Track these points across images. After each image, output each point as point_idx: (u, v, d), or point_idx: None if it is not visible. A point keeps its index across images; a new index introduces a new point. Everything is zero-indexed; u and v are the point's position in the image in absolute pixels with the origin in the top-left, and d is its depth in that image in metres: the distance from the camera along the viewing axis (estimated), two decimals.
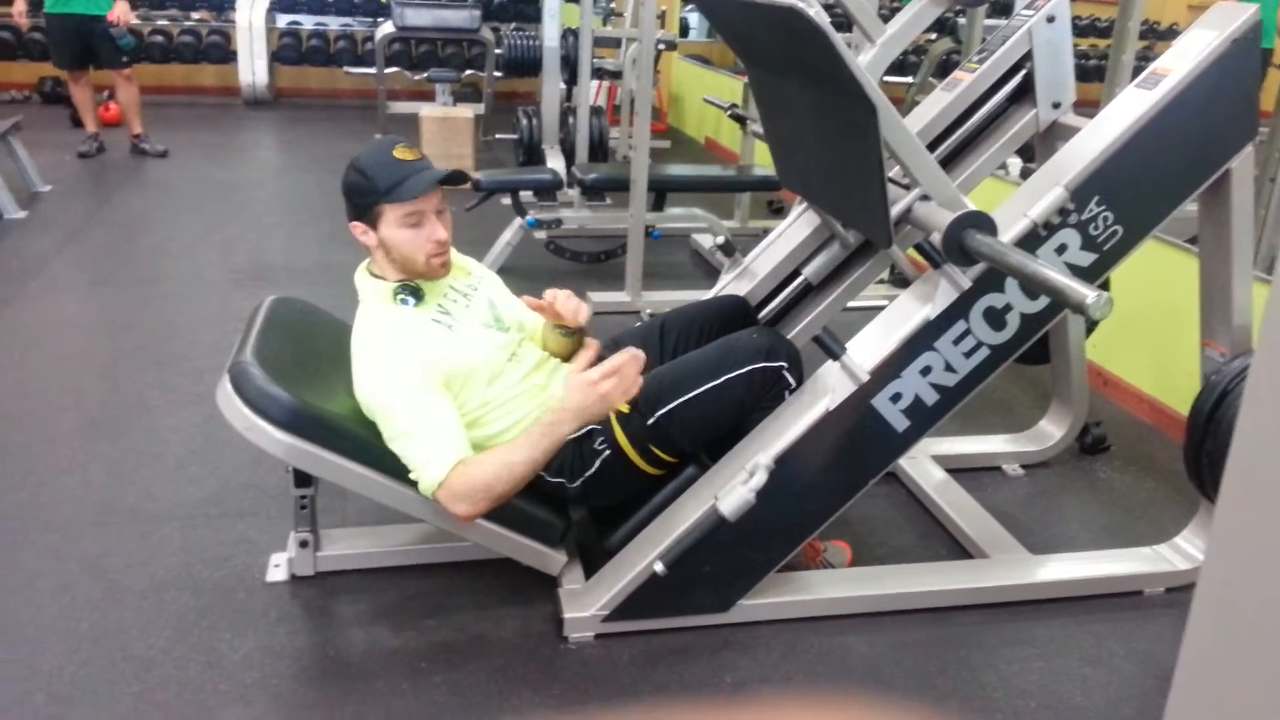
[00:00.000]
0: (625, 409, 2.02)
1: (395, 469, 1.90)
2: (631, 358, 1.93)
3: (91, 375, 3.17)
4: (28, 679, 1.84)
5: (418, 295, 1.95)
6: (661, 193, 4.28)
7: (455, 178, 1.94)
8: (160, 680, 1.86)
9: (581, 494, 2.06)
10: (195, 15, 8.24)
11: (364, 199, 1.90)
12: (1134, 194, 1.94)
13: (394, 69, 7.82)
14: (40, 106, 7.57)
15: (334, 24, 8.36)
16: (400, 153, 1.91)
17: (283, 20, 8.28)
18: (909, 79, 6.79)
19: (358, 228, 1.94)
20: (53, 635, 1.97)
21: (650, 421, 1.99)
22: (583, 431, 2.03)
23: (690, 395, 1.99)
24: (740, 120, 4.86)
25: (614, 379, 1.90)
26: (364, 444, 1.90)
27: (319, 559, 2.18)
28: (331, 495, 2.26)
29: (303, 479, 2.06)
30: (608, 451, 2.01)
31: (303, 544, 2.16)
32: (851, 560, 2.31)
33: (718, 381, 1.99)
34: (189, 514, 2.41)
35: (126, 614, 2.05)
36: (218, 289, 3.98)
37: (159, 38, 7.96)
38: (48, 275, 4.05)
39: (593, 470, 2.02)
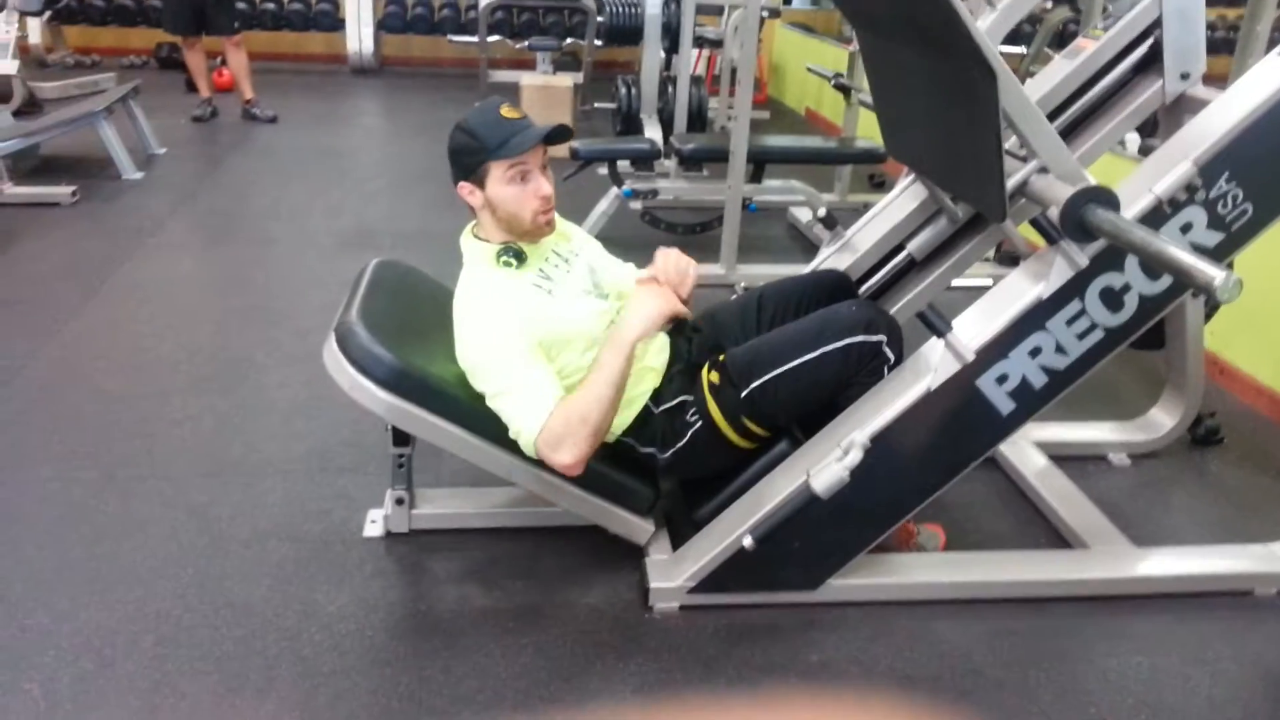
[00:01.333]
0: (717, 379, 2.00)
1: (490, 432, 1.92)
2: (674, 263, 1.99)
3: (203, 331, 3.28)
4: (137, 620, 1.93)
5: (520, 258, 1.96)
6: (760, 164, 4.22)
7: (560, 133, 1.94)
8: (259, 627, 1.92)
9: (672, 465, 2.05)
10: None
11: (472, 157, 1.91)
12: (1268, 172, 1.83)
13: (496, 37, 7.87)
14: (157, 71, 7.84)
15: None
16: (506, 111, 1.93)
17: None
18: (1023, 49, 6.53)
19: (465, 188, 1.96)
20: (162, 579, 2.06)
21: (744, 394, 1.97)
22: (675, 403, 2.01)
23: (785, 368, 1.95)
24: (845, 90, 4.75)
25: (652, 281, 1.97)
26: (462, 406, 1.92)
27: (414, 517, 2.23)
28: (427, 455, 2.30)
29: (401, 438, 2.10)
30: (700, 423, 2.00)
31: (399, 501, 2.20)
32: (945, 545, 2.26)
33: (814, 354, 1.95)
34: (291, 468, 2.48)
35: (229, 562, 2.12)
36: (323, 251, 4.08)
37: (271, 4, 8.16)
38: (163, 235, 4.21)
39: (684, 441, 2.01)
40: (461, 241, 2.04)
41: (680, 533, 2.14)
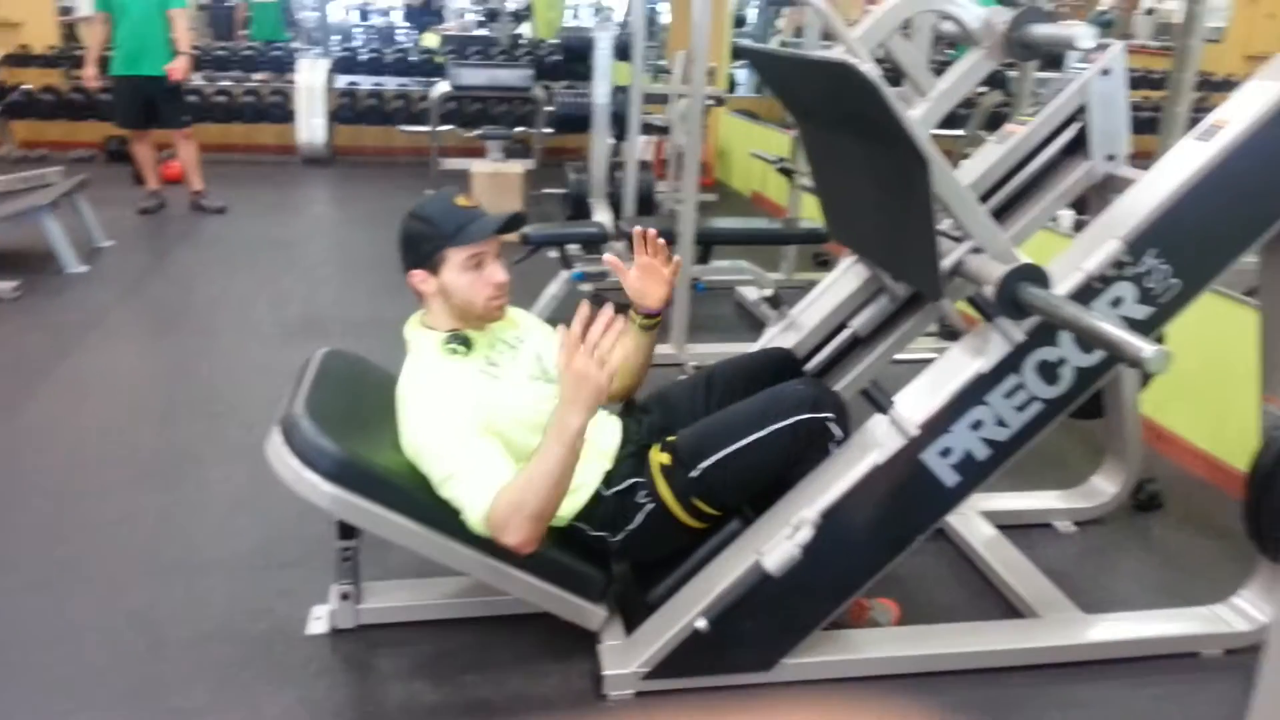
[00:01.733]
0: (668, 460, 2.00)
1: (438, 522, 1.89)
2: (582, 323, 1.74)
3: (145, 426, 3.22)
4: None
5: (467, 344, 1.96)
6: (708, 245, 4.29)
7: (515, 221, 1.98)
8: None
9: (624, 548, 2.04)
10: (257, 76, 8.51)
11: (428, 244, 1.92)
12: (1192, 246, 1.90)
13: (447, 127, 7.98)
14: (106, 165, 7.82)
15: (390, 84, 8.57)
16: (461, 200, 1.95)
17: (341, 81, 8.52)
18: (958, 131, 6.77)
19: (417, 275, 1.96)
20: (99, 688, 1.98)
21: (694, 474, 1.97)
22: (625, 485, 2.01)
23: (734, 447, 1.96)
24: (788, 173, 4.87)
25: (583, 349, 1.72)
26: (409, 496, 1.90)
27: (360, 611, 2.18)
28: (374, 547, 2.25)
29: (347, 531, 2.07)
30: (651, 505, 1.99)
31: (344, 596, 2.15)
32: (899, 618, 2.25)
33: (762, 433, 1.96)
34: (234, 565, 2.42)
35: (169, 666, 2.05)
36: (270, 341, 4.04)
37: (222, 98, 8.21)
38: (106, 327, 4.15)
39: (635, 524, 2.00)
40: (406, 330, 2.04)
41: (634, 616, 2.11)
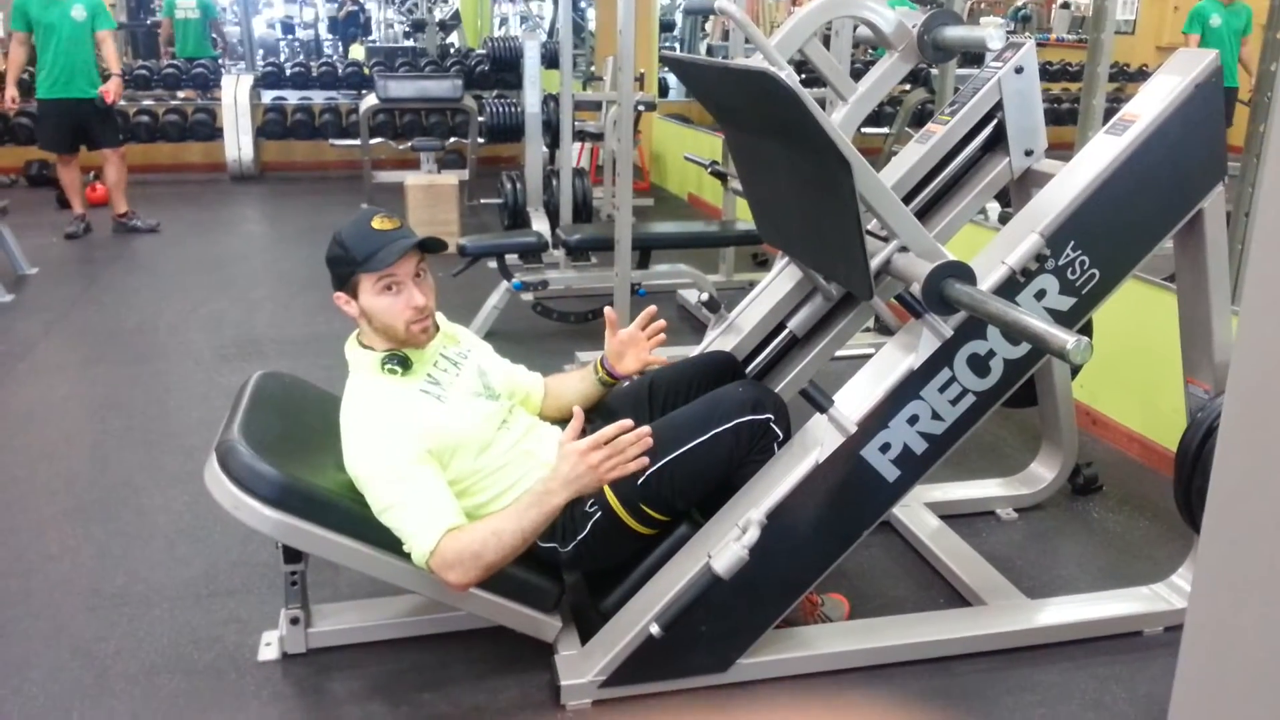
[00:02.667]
0: None
1: (385, 542, 1.88)
2: (620, 430, 1.82)
3: (80, 457, 3.15)
4: None
5: (405, 364, 1.96)
6: (646, 250, 4.32)
7: (429, 244, 1.96)
8: None
9: (575, 558, 2.05)
10: (181, 94, 8.35)
11: (343, 269, 1.93)
12: (1109, 238, 1.97)
13: (379, 139, 7.91)
14: (27, 190, 7.62)
15: (318, 98, 8.47)
16: (378, 223, 1.93)
17: (267, 96, 8.39)
18: (885, 129, 6.89)
19: (340, 298, 1.97)
20: None
21: (640, 480, 1.98)
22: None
23: (678, 452, 1.98)
24: (721, 176, 4.91)
25: (604, 450, 1.81)
26: (354, 517, 1.89)
27: (310, 635, 2.16)
28: (323, 569, 2.24)
29: (292, 555, 2.05)
30: (599, 513, 2.00)
31: (294, 621, 2.13)
32: (850, 613, 2.29)
33: (705, 437, 1.99)
34: (179, 594, 2.38)
35: (117, 701, 2.01)
36: (205, 365, 3.97)
37: (145, 118, 8.04)
38: (34, 358, 4.05)
39: (585, 533, 2.01)
40: (346, 349, 2.03)
41: (588, 625, 2.12)
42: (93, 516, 2.76)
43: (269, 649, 2.17)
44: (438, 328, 2.05)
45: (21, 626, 2.25)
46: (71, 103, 5.90)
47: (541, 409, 2.27)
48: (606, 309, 2.30)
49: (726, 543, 1.88)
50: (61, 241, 6.04)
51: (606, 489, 2.00)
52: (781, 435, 2.03)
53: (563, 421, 2.26)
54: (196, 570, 2.49)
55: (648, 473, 1.98)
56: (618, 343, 2.24)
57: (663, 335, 2.25)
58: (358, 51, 11.19)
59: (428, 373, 2.00)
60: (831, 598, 2.30)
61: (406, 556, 1.86)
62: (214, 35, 9.44)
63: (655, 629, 1.89)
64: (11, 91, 6.14)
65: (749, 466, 2.03)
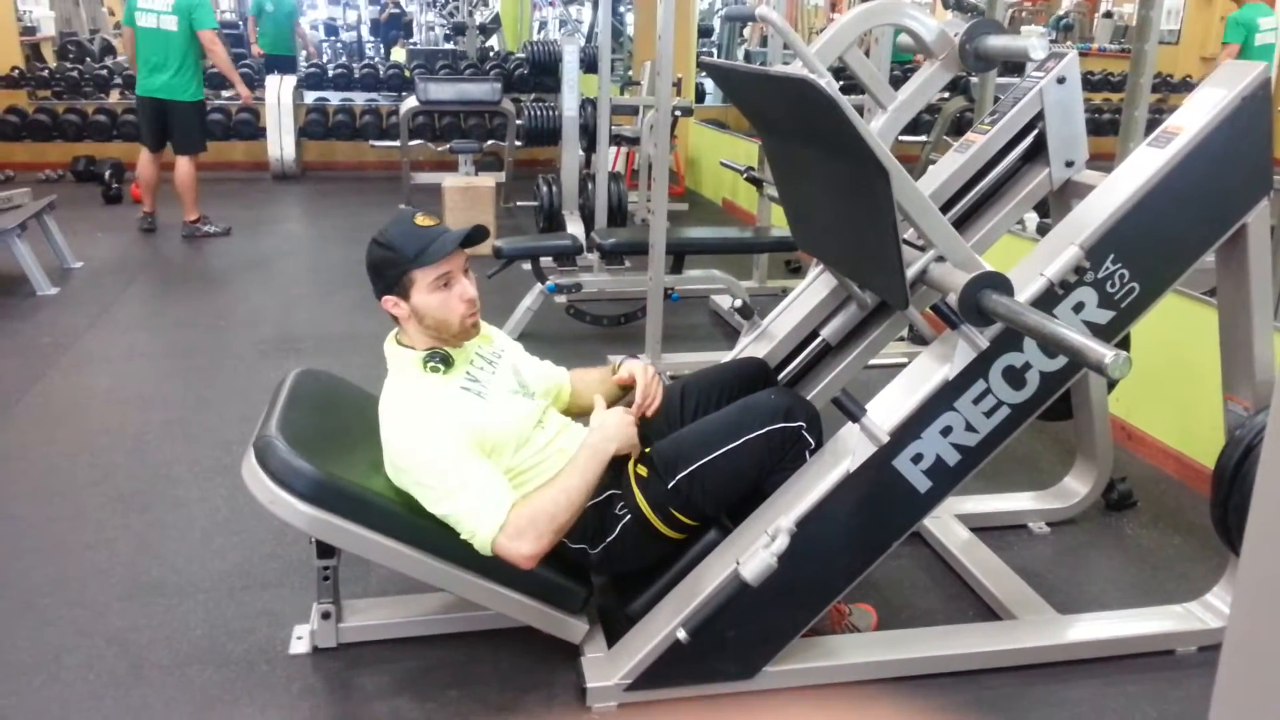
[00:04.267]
0: (644, 472, 2.02)
1: (417, 538, 1.91)
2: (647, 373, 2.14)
3: (120, 449, 3.21)
4: None
5: (447, 363, 1.98)
6: (680, 255, 4.32)
7: (477, 234, 1.98)
8: None
9: (603, 560, 2.05)
10: (225, 94, 8.47)
11: (393, 269, 1.94)
12: (1149, 251, 1.95)
13: (418, 141, 7.97)
14: (74, 185, 7.76)
15: (359, 99, 8.56)
16: (421, 220, 1.96)
17: (310, 97, 8.50)
18: (923, 138, 6.85)
19: (389, 301, 1.97)
20: (78, 714, 1.97)
21: (670, 485, 1.99)
22: (603, 497, 2.03)
23: (709, 458, 1.99)
24: (756, 183, 4.91)
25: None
26: (387, 514, 1.91)
27: (341, 630, 2.18)
28: (354, 565, 2.26)
29: (325, 550, 2.07)
30: (629, 516, 2.01)
31: (325, 615, 2.16)
32: (877, 624, 2.28)
33: (737, 443, 1.99)
34: (214, 586, 2.42)
35: (151, 690, 2.05)
36: (245, 360, 4.03)
37: None
38: (78, 350, 4.13)
39: (614, 535, 2.02)
40: (385, 348, 2.06)
41: (615, 628, 2.13)
42: (131, 507, 2.81)
43: (300, 642, 2.19)
44: None
45: (58, 614, 2.30)
46: (155, 101, 5.99)
47: (569, 401, 2.29)
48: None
49: (755, 549, 1.88)
50: (106, 236, 6.15)
51: (637, 493, 2.01)
52: (813, 443, 2.02)
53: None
54: (231, 563, 2.53)
55: (678, 477, 1.99)
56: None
57: (656, 406, 2.22)
58: (399, 54, 11.30)
59: (466, 371, 2.02)
60: (859, 608, 2.29)
61: (437, 553, 1.88)
62: (299, 36, 9.58)
63: (682, 634, 1.89)
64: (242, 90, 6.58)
65: (780, 474, 2.03)
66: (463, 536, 1.88)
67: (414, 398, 1.95)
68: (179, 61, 5.96)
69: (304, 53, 9.99)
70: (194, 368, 3.96)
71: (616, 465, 2.09)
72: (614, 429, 2.01)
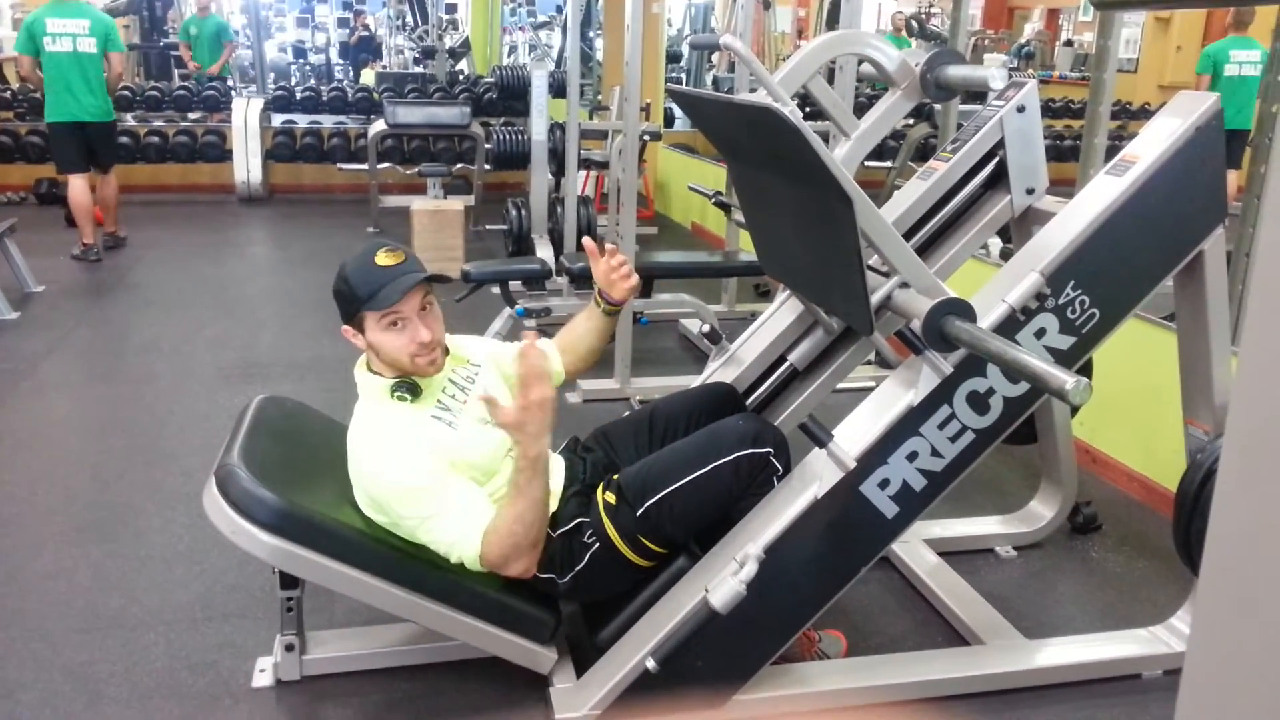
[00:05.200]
0: (613, 499, 2.02)
1: (382, 569, 1.89)
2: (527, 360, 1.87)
3: (80, 477, 3.15)
4: None
5: (415, 392, 1.96)
6: (649, 279, 4.32)
7: (432, 280, 1.96)
8: None
9: (572, 589, 2.04)
10: (192, 116, 8.42)
11: (348, 306, 1.94)
12: (1109, 278, 1.97)
13: (386, 164, 7.95)
14: (36, 208, 7.66)
15: (328, 122, 8.53)
16: (382, 258, 1.93)
17: (277, 119, 8.46)
18: (888, 163, 6.93)
19: (347, 331, 1.98)
20: None
21: (639, 513, 1.98)
22: (571, 525, 2.02)
23: (677, 485, 1.98)
24: (724, 207, 4.93)
25: (522, 404, 1.85)
26: (352, 544, 1.89)
27: (305, 662, 2.15)
28: (319, 595, 2.23)
29: (289, 581, 2.04)
30: (597, 545, 2.00)
31: (288, 647, 2.12)
32: (847, 650, 2.28)
33: (704, 470, 1.99)
34: (174, 618, 2.38)
35: None
36: (208, 386, 3.98)
37: (155, 138, 8.10)
38: (39, 376, 4.06)
39: (582, 564, 2.01)
40: (356, 373, 2.04)
41: (584, 657, 2.11)
42: (90, 537, 2.76)
43: (263, 675, 2.16)
44: (447, 351, 2.05)
45: (15, 648, 2.24)
46: (82, 125, 5.96)
47: (564, 361, 2.28)
48: (585, 239, 2.31)
49: (724, 577, 1.87)
50: (69, 260, 6.06)
51: (605, 520, 2.00)
52: (781, 469, 2.02)
53: (568, 444, 2.27)
54: (193, 593, 2.48)
55: (646, 504, 1.98)
56: (603, 275, 2.23)
57: (627, 267, 2.22)
58: (369, 76, 11.29)
59: (437, 399, 2.01)
60: (829, 634, 2.29)
61: (402, 583, 1.87)
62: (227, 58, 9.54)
63: (651, 663, 1.88)
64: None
65: (748, 500, 2.02)
66: (446, 552, 1.89)
67: (383, 425, 1.94)
68: (100, 83, 5.99)
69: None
70: (156, 394, 3.90)
71: (586, 493, 2.09)
72: (518, 437, 1.86)
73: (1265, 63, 6.45)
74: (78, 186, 6.07)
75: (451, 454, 1.93)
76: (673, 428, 2.26)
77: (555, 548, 2.01)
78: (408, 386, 1.96)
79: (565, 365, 2.28)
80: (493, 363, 2.18)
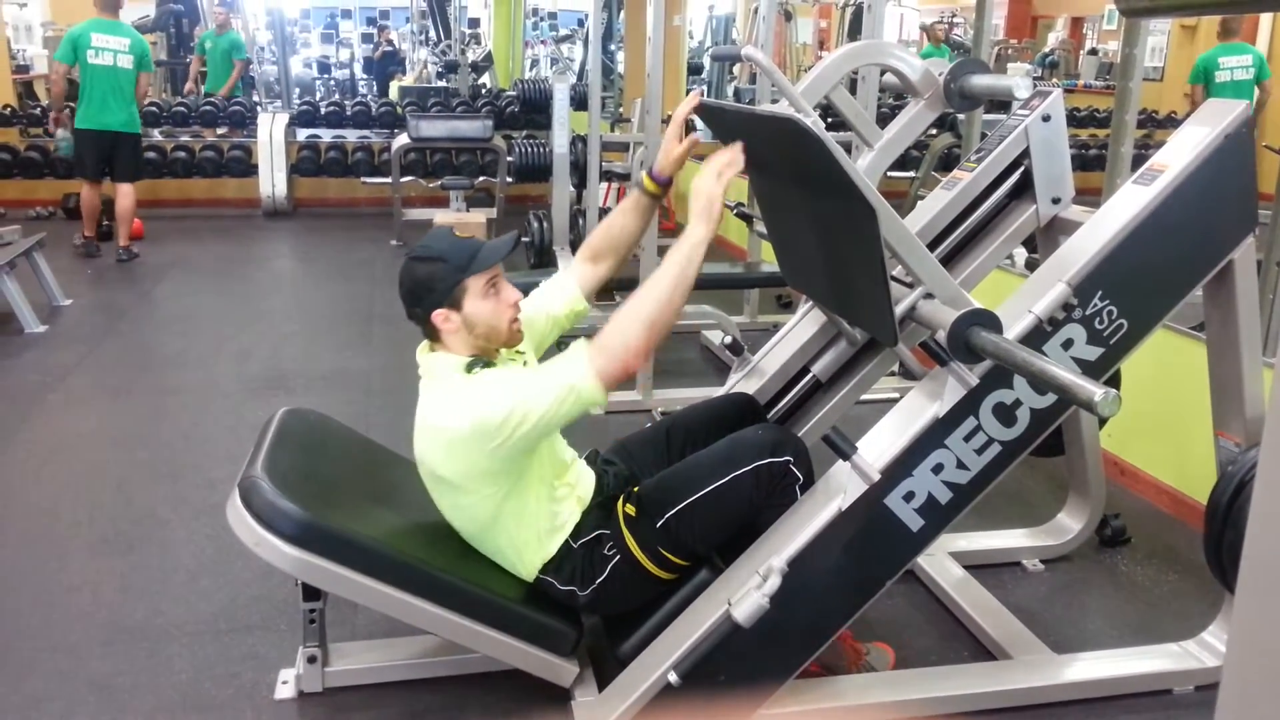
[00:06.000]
0: (633, 511, 2.01)
1: (404, 580, 1.88)
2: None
3: (105, 489, 3.18)
4: None
5: (490, 363, 1.97)
6: None
7: (518, 243, 2.00)
8: None
9: (593, 601, 2.03)
10: (219, 131, 8.50)
11: (445, 281, 1.91)
12: (1137, 288, 1.95)
13: (409, 178, 8.00)
14: (63, 222, 7.75)
15: (351, 136, 8.59)
16: (459, 233, 1.98)
17: (302, 134, 8.53)
18: (911, 174, 6.90)
19: (439, 315, 1.92)
20: None
21: (659, 524, 1.97)
22: (592, 537, 2.01)
23: (698, 495, 1.97)
24: (746, 218, 4.92)
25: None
26: (374, 556, 1.89)
27: (327, 674, 2.15)
28: (341, 607, 2.23)
29: (311, 592, 2.05)
30: (618, 557, 1.99)
31: (311, 659, 2.13)
32: (895, 663, 2.25)
33: (724, 480, 1.98)
34: (198, 630, 2.39)
35: None
36: (233, 398, 4.01)
37: (182, 153, 8.19)
38: (66, 389, 4.10)
39: (603, 577, 2.00)
40: (420, 357, 2.02)
41: (606, 670, 2.10)
42: (116, 549, 2.77)
43: (286, 687, 2.16)
44: None
45: (40, 659, 2.26)
46: (108, 135, 6.29)
47: (597, 273, 2.26)
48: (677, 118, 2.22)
49: (747, 590, 1.86)
50: (95, 273, 6.13)
51: (626, 533, 1.99)
52: (802, 478, 2.01)
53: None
54: (217, 605, 2.49)
55: (666, 516, 1.97)
56: (678, 158, 2.21)
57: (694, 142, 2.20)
58: (396, 89, 11.37)
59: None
60: (878, 647, 2.27)
61: (424, 595, 1.87)
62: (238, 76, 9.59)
63: (674, 677, 1.87)
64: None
65: (770, 511, 2.01)
66: (562, 414, 1.84)
67: (465, 389, 1.91)
68: (130, 97, 6.38)
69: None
70: (181, 406, 3.93)
71: (607, 505, 2.07)
72: (694, 207, 1.92)
73: (1258, 64, 6.64)
74: (88, 192, 6.52)
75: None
76: (692, 439, 2.25)
77: (576, 559, 2.01)
78: (484, 363, 1.95)
79: (607, 270, 2.25)
80: (532, 345, 2.16)
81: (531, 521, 1.99)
